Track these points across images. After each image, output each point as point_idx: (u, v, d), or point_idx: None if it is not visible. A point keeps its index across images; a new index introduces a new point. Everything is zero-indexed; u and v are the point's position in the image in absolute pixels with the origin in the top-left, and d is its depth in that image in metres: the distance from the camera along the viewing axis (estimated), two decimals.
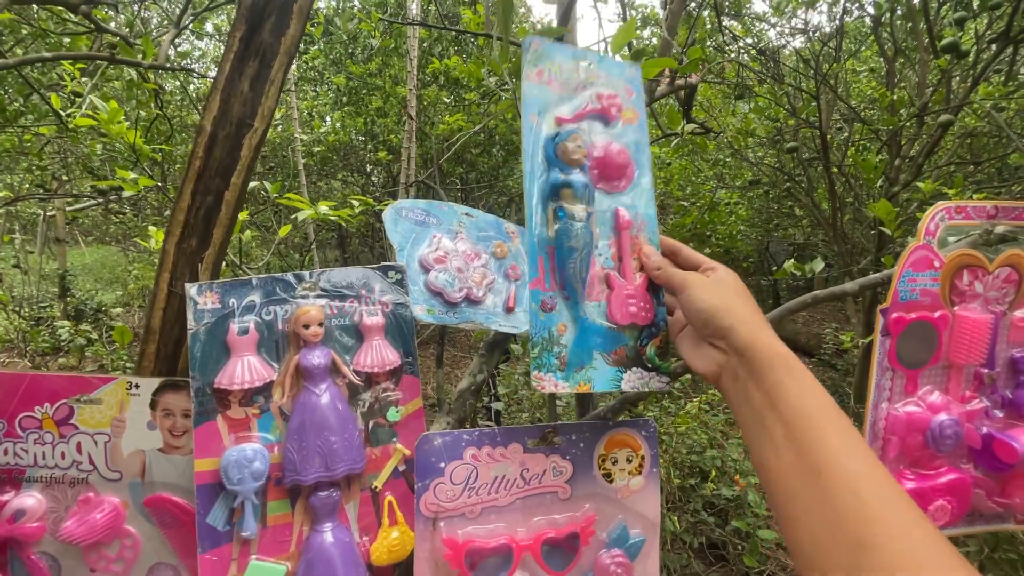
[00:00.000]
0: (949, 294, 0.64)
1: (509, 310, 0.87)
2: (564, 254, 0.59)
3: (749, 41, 4.38)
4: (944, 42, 2.72)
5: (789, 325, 7.24)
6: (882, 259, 3.43)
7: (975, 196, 3.13)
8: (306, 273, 0.69)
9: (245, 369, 0.62)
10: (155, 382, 0.63)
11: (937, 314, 0.64)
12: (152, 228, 1.76)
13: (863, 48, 5.30)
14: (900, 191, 3.61)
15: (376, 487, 0.67)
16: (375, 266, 0.73)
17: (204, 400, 0.61)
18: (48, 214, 6.28)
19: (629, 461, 0.64)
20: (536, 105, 0.61)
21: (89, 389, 0.64)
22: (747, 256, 7.91)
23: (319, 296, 0.68)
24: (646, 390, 0.61)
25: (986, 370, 0.66)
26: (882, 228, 2.69)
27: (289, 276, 0.67)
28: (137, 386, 0.63)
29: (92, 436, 0.64)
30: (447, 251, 0.86)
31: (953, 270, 0.64)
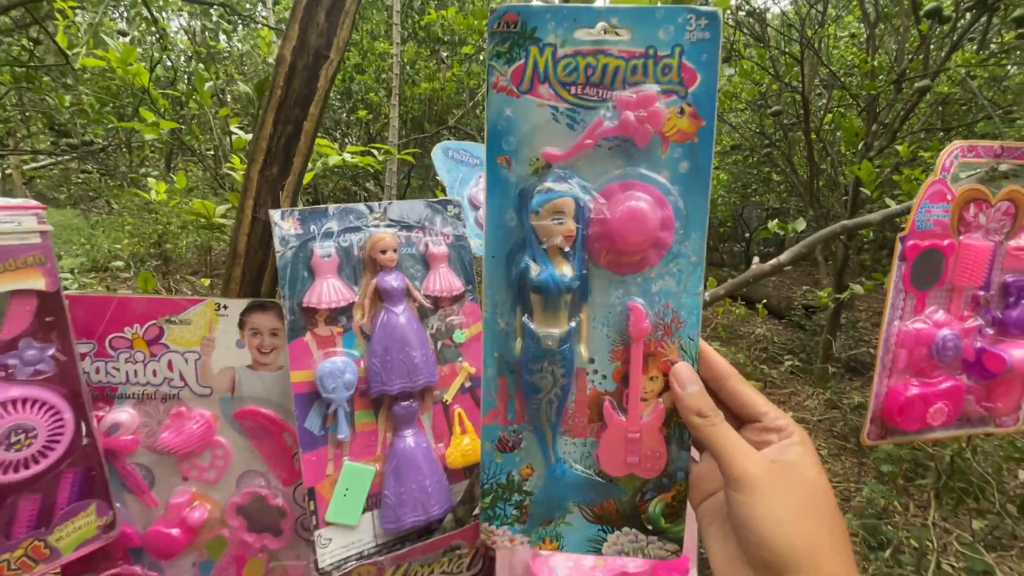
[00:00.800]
0: (957, 224, 0.73)
1: None
2: (527, 389, 0.41)
3: (735, 2, 4.39)
4: (927, 7, 2.80)
5: (760, 289, 7.53)
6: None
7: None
8: (375, 204, 0.72)
9: (330, 290, 0.66)
10: (243, 303, 0.67)
11: (946, 242, 0.73)
12: (152, 180, 1.72)
13: (845, 13, 5.36)
14: (876, 155, 3.76)
15: (447, 400, 0.73)
16: (435, 200, 0.77)
17: (294, 318, 0.65)
18: (5, 172, 5.93)
19: None
20: (506, 136, 0.39)
21: (178, 310, 0.67)
22: (723, 221, 8.12)
23: (388, 226, 0.72)
24: (639, 557, 0.44)
25: (983, 293, 0.76)
26: (861, 188, 2.82)
27: (361, 206, 0.71)
28: (225, 307, 0.67)
29: (183, 354, 0.68)
30: None
31: (962, 203, 0.72)
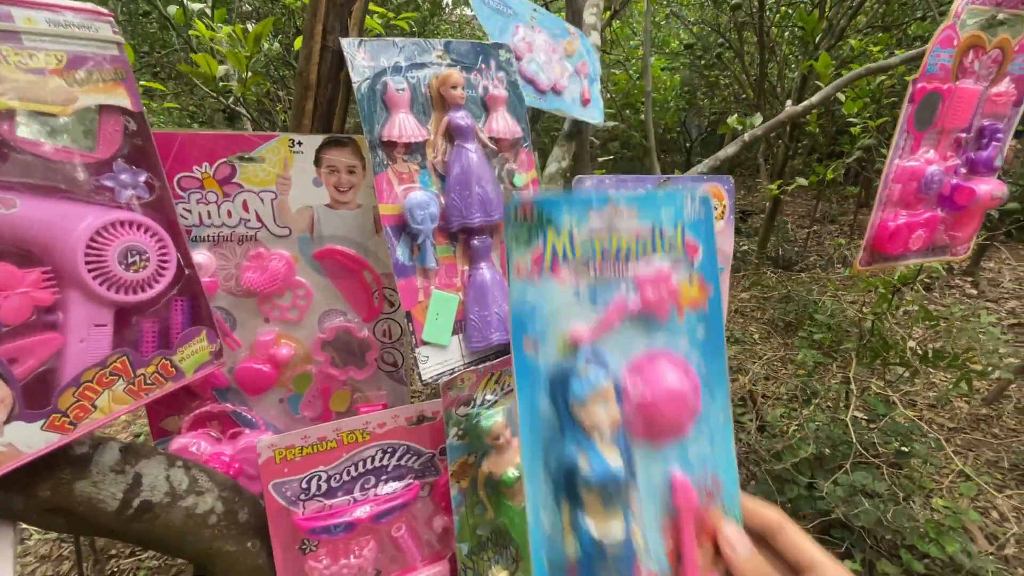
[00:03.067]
0: (957, 70, 0.83)
1: (585, 103, 0.95)
2: None
3: None
4: None
5: None
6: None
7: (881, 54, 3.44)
8: (435, 41, 0.71)
9: (405, 124, 0.67)
10: (318, 138, 0.66)
11: (946, 86, 0.83)
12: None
13: None
14: (824, 52, 3.88)
15: None
16: (488, 43, 0.76)
17: (376, 152, 0.66)
18: None
19: (715, 208, 0.80)
20: (530, 319, 0.37)
21: (249, 147, 0.65)
22: (670, 128, 8.21)
23: (450, 65, 0.72)
24: None
25: (964, 135, 0.88)
26: (818, 83, 2.96)
27: (423, 42, 0.70)
28: (300, 143, 0.66)
29: (258, 194, 0.67)
30: (531, 41, 0.90)
31: (964, 48, 0.81)
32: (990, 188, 0.89)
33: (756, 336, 4.09)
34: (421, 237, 0.68)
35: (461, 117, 0.70)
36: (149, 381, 0.56)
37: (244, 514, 0.66)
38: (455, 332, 0.72)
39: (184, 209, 0.66)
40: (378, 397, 0.80)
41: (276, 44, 2.35)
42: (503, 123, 0.75)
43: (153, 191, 0.55)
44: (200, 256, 0.67)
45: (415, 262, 0.69)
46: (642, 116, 5.70)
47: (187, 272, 0.59)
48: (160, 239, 0.56)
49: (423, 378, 0.68)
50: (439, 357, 0.70)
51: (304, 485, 0.67)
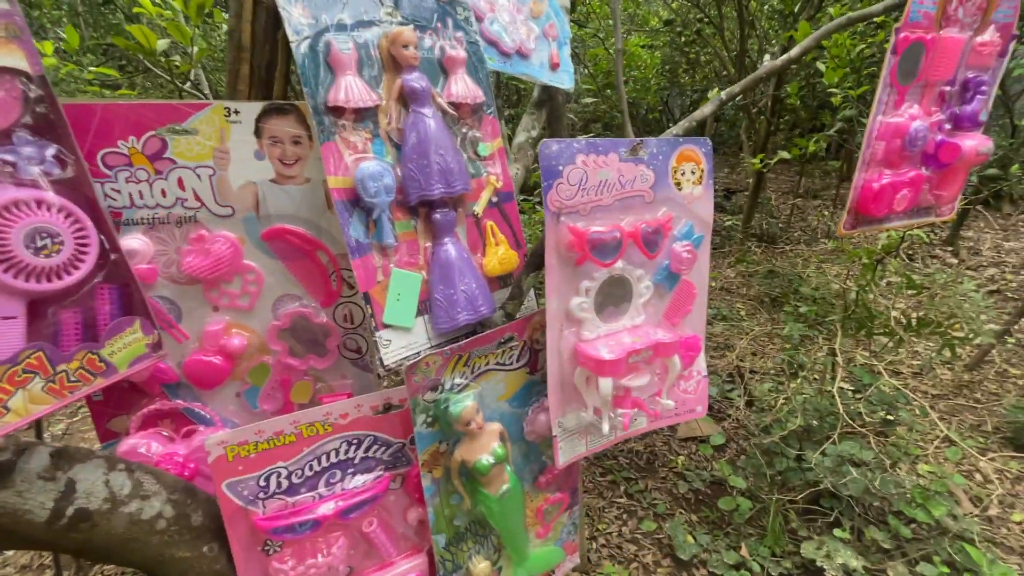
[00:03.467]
0: (940, 18, 0.79)
1: (554, 67, 0.90)
2: None
3: None
4: None
5: None
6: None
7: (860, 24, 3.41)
8: None
9: (353, 88, 0.61)
10: (257, 106, 0.60)
11: (929, 36, 0.79)
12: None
13: None
14: (804, 22, 3.85)
15: (477, 213, 0.73)
16: (444, 0, 0.70)
17: (322, 120, 0.60)
18: None
19: (693, 173, 0.76)
20: None
21: (180, 118, 0.59)
22: (653, 107, 8.13)
23: (402, 23, 0.66)
24: None
25: (948, 88, 0.85)
26: None
27: None
28: (236, 111, 0.60)
29: (194, 170, 0.61)
30: (493, 1, 0.84)
31: None
32: (975, 144, 0.86)
33: (743, 312, 4.09)
34: (376, 212, 0.62)
35: (415, 79, 0.64)
36: (73, 378, 0.50)
37: (198, 517, 0.62)
38: (419, 313, 0.67)
39: (112, 189, 0.60)
40: (342, 387, 0.75)
41: None
42: (463, 86, 0.70)
43: (65, 167, 0.50)
44: (134, 241, 0.62)
45: (372, 239, 0.64)
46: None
47: (113, 257, 0.53)
48: (76, 220, 0.50)
49: (384, 363, 0.63)
50: (402, 340, 0.65)
51: (262, 483, 0.62)
